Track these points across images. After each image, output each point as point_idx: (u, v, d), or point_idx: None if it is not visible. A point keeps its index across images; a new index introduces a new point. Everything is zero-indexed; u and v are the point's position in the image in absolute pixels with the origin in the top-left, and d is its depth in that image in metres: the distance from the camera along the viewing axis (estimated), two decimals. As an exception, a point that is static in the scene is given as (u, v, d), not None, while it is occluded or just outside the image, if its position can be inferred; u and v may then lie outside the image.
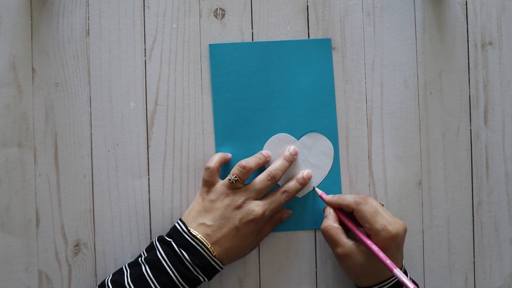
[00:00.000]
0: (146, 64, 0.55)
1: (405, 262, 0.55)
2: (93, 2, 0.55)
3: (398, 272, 0.46)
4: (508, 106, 0.58)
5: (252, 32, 0.56)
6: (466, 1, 0.58)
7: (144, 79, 0.55)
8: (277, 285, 0.55)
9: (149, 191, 0.55)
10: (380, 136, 0.57)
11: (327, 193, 0.54)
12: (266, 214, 0.50)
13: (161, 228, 0.54)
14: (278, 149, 0.55)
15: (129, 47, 0.55)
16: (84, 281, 0.54)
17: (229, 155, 0.54)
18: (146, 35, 0.55)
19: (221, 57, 0.55)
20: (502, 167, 0.58)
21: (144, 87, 0.55)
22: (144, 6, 0.55)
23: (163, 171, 0.55)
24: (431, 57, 0.58)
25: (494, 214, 0.58)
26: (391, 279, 0.49)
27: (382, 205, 0.51)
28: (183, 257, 0.47)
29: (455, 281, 0.57)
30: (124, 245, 0.54)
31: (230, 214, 0.49)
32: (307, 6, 0.56)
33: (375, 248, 0.48)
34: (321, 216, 0.55)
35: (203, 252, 0.48)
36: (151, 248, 0.50)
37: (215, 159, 0.52)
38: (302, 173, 0.54)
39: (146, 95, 0.55)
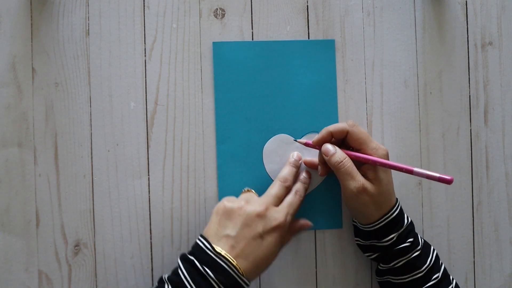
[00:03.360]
0: (146, 64, 0.55)
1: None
2: (93, 2, 0.55)
3: (418, 169, 0.47)
4: (508, 106, 0.58)
5: (252, 32, 0.56)
6: (466, 1, 0.58)
7: (144, 79, 0.55)
8: (277, 285, 0.55)
9: (149, 191, 0.55)
10: (380, 136, 0.57)
11: (329, 192, 0.54)
12: (287, 219, 0.49)
13: (161, 228, 0.54)
14: (278, 150, 0.55)
15: (129, 47, 0.55)
16: (84, 281, 0.54)
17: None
18: (146, 35, 0.55)
19: (224, 55, 0.55)
20: (502, 167, 0.58)
21: (144, 87, 0.55)
22: (144, 6, 0.55)
23: (163, 171, 0.55)
24: (431, 57, 0.58)
25: (494, 214, 0.58)
26: (397, 203, 0.51)
27: None
28: (207, 275, 0.45)
29: (455, 281, 0.57)
30: (124, 245, 0.54)
31: (253, 222, 0.47)
32: (307, 6, 0.57)
33: (387, 161, 0.49)
34: (321, 216, 0.55)
35: (229, 269, 0.45)
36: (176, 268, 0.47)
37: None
38: (301, 174, 0.54)
39: (146, 95, 0.55)
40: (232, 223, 0.47)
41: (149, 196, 0.55)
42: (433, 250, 0.52)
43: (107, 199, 0.54)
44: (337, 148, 0.51)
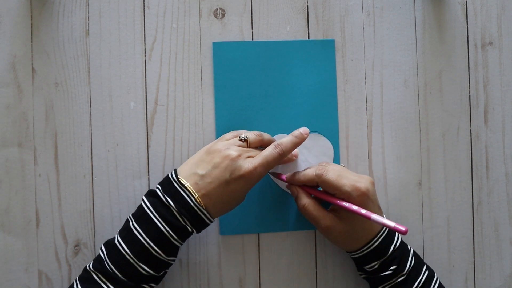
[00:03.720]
0: (146, 64, 0.55)
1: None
2: (93, 2, 0.55)
3: (375, 216, 0.45)
4: (508, 106, 0.58)
5: (252, 32, 0.56)
6: (466, 1, 0.58)
7: (144, 79, 0.55)
8: (277, 285, 0.55)
9: (149, 191, 0.55)
10: (380, 136, 0.57)
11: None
12: (257, 171, 0.47)
13: (161, 228, 0.54)
14: None
15: (129, 47, 0.55)
16: (84, 281, 0.54)
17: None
18: (146, 35, 0.55)
19: (224, 55, 0.55)
20: (502, 167, 0.58)
21: (144, 87, 0.55)
22: (144, 6, 0.55)
23: (163, 171, 0.55)
24: (431, 57, 0.58)
25: (494, 214, 0.58)
26: (380, 233, 0.50)
27: (344, 166, 0.53)
28: (168, 205, 0.46)
29: (455, 281, 0.57)
30: (124, 245, 0.54)
31: (223, 166, 0.47)
32: (307, 6, 0.56)
33: (347, 204, 0.47)
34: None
35: (190, 202, 0.46)
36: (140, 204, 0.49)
37: (243, 131, 0.52)
38: (298, 129, 0.52)
39: (146, 95, 0.55)
40: (205, 163, 0.48)
41: (149, 196, 0.55)
42: (424, 271, 0.50)
43: (107, 199, 0.54)
44: (300, 191, 0.51)
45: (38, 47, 0.54)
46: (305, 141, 0.55)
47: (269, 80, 0.56)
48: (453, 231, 0.58)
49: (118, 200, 0.54)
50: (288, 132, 0.55)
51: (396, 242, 0.50)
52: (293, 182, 0.52)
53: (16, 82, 0.53)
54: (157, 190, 0.48)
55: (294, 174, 0.52)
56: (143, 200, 0.48)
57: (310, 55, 0.56)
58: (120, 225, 0.54)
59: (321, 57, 0.56)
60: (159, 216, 0.46)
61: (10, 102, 0.53)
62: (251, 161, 0.48)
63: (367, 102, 0.57)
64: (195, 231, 0.48)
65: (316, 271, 0.56)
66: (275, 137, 0.55)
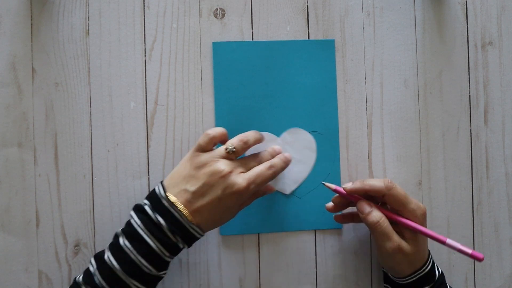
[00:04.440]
0: (146, 64, 0.55)
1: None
2: (93, 2, 0.55)
3: (450, 241, 0.47)
4: (508, 106, 0.58)
5: (252, 32, 0.56)
6: (466, 1, 0.58)
7: (144, 79, 0.55)
8: (277, 285, 0.55)
9: (149, 191, 0.54)
10: (380, 136, 0.57)
11: (329, 192, 0.54)
12: (251, 187, 0.47)
13: (161, 228, 0.54)
14: (260, 147, 0.53)
15: (129, 47, 0.55)
16: (84, 281, 0.54)
17: (226, 134, 0.51)
18: (146, 35, 0.55)
19: (224, 55, 0.55)
20: (502, 167, 0.58)
21: (144, 87, 0.55)
22: (144, 6, 0.55)
23: (163, 171, 0.55)
24: (431, 57, 0.58)
25: (494, 214, 0.58)
26: (430, 256, 0.51)
27: None
28: (159, 223, 0.45)
29: (455, 281, 0.57)
30: (124, 245, 0.54)
31: (214, 182, 0.46)
32: (307, 6, 0.57)
33: (423, 228, 0.48)
34: (321, 216, 0.55)
35: (181, 219, 0.46)
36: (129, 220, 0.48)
37: (218, 130, 0.49)
38: (283, 154, 0.52)
39: (146, 95, 0.55)
40: (194, 179, 0.47)
41: (149, 196, 0.54)
42: None
43: (107, 199, 0.54)
44: (373, 206, 0.49)
45: (38, 47, 0.54)
46: (286, 137, 0.55)
47: (269, 80, 0.56)
48: (453, 231, 0.58)
49: (118, 200, 0.54)
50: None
51: (437, 267, 0.51)
52: (356, 191, 0.50)
53: (16, 82, 0.53)
54: (146, 207, 0.47)
55: (358, 182, 0.50)
56: (131, 216, 0.47)
57: (310, 55, 0.56)
58: (120, 225, 0.54)
59: (321, 57, 0.56)
60: (151, 234, 0.45)
61: (10, 102, 0.53)
62: (244, 177, 0.47)
63: (367, 102, 0.57)
64: (186, 246, 0.48)
65: (316, 271, 0.56)
66: (264, 134, 0.53)
